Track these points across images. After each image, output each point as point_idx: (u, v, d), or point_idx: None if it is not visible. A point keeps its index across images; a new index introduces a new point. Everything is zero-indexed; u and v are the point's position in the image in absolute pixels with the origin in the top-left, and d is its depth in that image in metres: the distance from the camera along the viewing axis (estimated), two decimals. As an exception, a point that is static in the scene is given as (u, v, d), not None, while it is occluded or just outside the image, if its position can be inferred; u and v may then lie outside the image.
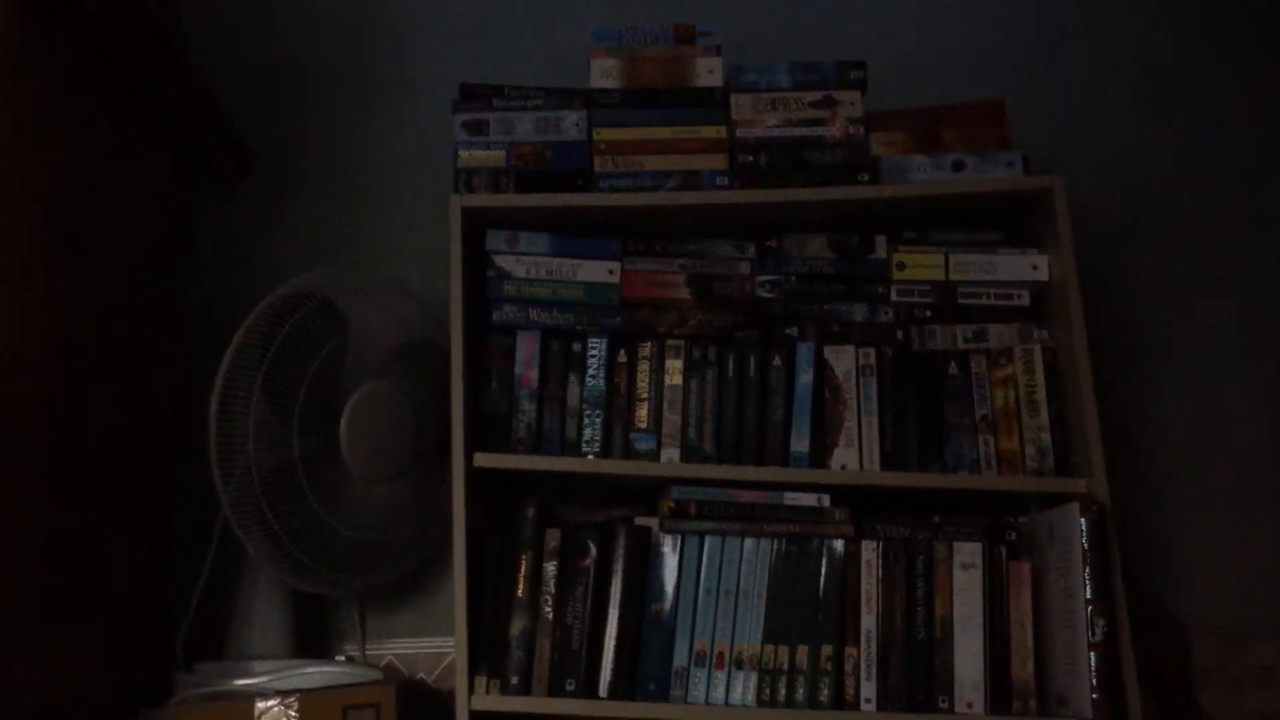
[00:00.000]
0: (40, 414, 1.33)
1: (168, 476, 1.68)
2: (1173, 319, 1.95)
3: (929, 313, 1.68)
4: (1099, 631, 1.45)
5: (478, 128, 1.69)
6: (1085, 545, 1.48)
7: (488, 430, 1.61)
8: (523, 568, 1.57)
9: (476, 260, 1.67)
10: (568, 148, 1.69)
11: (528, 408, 1.63)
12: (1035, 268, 1.67)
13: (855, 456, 1.63)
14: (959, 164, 1.68)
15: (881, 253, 1.69)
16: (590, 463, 1.61)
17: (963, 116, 1.72)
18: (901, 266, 1.68)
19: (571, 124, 1.70)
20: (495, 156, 1.68)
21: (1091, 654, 1.45)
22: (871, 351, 1.66)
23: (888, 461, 1.62)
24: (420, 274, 1.88)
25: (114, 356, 1.53)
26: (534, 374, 1.64)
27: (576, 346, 1.66)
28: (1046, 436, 1.62)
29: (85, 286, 1.45)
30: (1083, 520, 1.48)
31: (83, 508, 1.43)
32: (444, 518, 1.57)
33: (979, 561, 1.57)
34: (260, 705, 1.42)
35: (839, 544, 1.58)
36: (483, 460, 1.57)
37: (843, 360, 1.66)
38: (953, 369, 1.66)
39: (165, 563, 1.66)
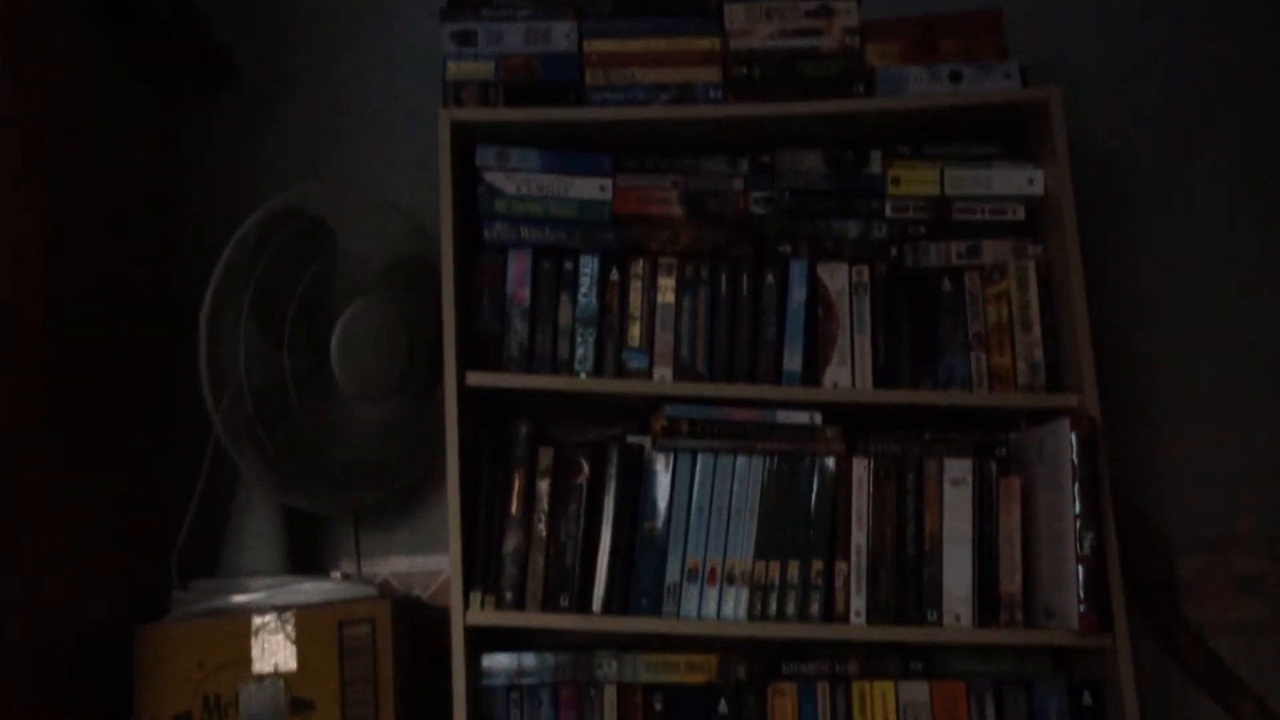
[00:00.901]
0: (29, 337, 1.32)
1: (161, 397, 1.68)
2: (1167, 235, 1.94)
3: (923, 229, 1.66)
4: (1086, 545, 1.46)
5: (466, 38, 1.65)
6: (1075, 461, 1.48)
7: (479, 349, 1.61)
8: (516, 485, 1.57)
9: (466, 177, 1.64)
10: (557, 60, 1.65)
11: (519, 327, 1.62)
12: (1031, 182, 1.65)
13: (847, 374, 1.63)
14: (956, 75, 1.65)
15: (876, 168, 1.67)
16: (582, 381, 1.61)
17: (960, 26, 1.68)
18: (896, 182, 1.66)
19: (561, 35, 1.66)
20: (484, 69, 1.65)
21: (1079, 567, 1.47)
22: (865, 269, 1.65)
23: (880, 379, 1.62)
24: (409, 191, 1.84)
25: (102, 273, 1.51)
26: (525, 292, 1.63)
27: (568, 265, 1.65)
28: (1039, 353, 1.62)
29: (70, 206, 1.43)
30: (1073, 435, 1.49)
31: (75, 428, 1.43)
32: (437, 437, 1.57)
33: (969, 478, 1.58)
34: (257, 620, 1.44)
35: (830, 461, 1.59)
36: (475, 379, 1.57)
37: (836, 278, 1.65)
38: (946, 285, 1.65)
39: (159, 483, 1.66)
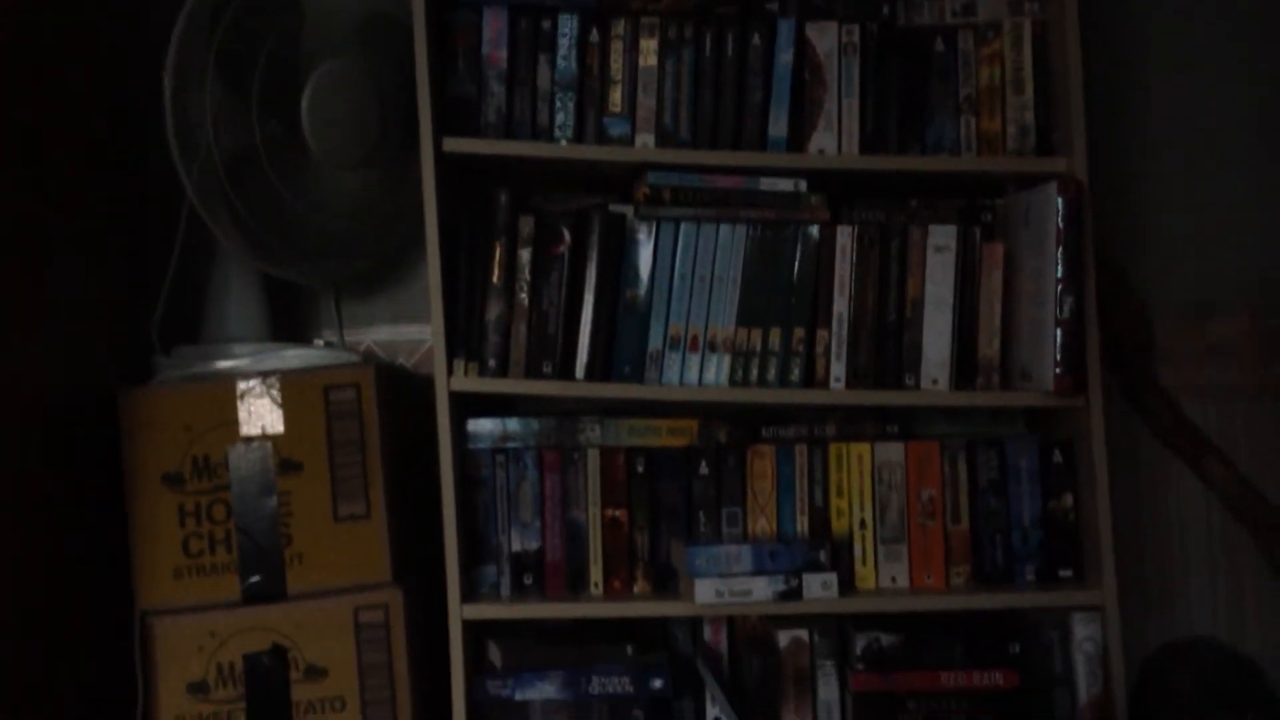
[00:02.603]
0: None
1: (133, 164, 1.63)
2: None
3: (917, -16, 1.60)
4: (1066, 309, 1.47)
5: None
6: (1060, 225, 1.48)
7: (456, 114, 1.56)
8: (497, 254, 1.56)
9: (437, -74, 1.55)
10: None
11: (496, 90, 1.57)
12: (1030, -65, 1.58)
13: (834, 141, 1.59)
14: None
15: (869, -81, 1.59)
16: (563, 148, 1.57)
17: None
18: (891, -66, 1.58)
19: None
20: None
21: (1057, 330, 1.48)
22: (855, 28, 1.59)
23: (867, 145, 1.59)
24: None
25: (66, 33, 1.44)
26: (502, 54, 1.57)
27: (546, 24, 1.58)
28: (1029, 115, 1.59)
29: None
30: (1060, 199, 1.48)
31: (45, 192, 1.39)
32: (415, 206, 1.54)
33: (953, 244, 1.57)
34: (241, 385, 1.45)
35: (814, 229, 1.57)
36: (452, 145, 1.53)
37: (825, 38, 1.59)
38: (938, 46, 1.60)
39: (137, 250, 1.64)
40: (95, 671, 1.45)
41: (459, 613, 1.52)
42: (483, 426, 1.61)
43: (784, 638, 1.57)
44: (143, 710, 1.41)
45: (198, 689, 1.40)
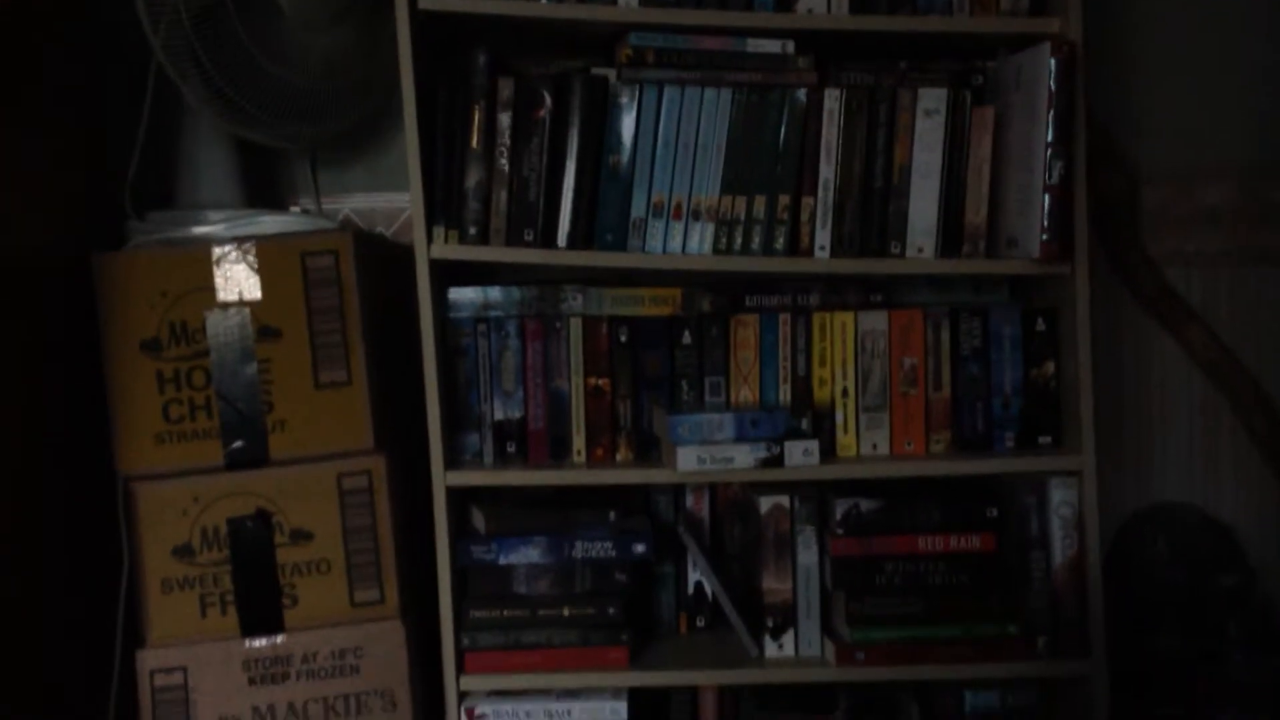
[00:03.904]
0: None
1: (100, 22, 1.57)
2: None
3: None
4: (1055, 174, 1.45)
5: None
6: (1052, 87, 1.44)
7: (431, -30, 1.50)
8: (476, 118, 1.52)
9: None
10: None
11: (473, -56, 1.51)
12: None
13: (823, 0, 1.54)
14: None
15: None
16: (543, 6, 1.51)
17: None
18: None
19: None
20: None
21: (1045, 196, 1.46)
22: (848, -124, 1.53)
23: (857, 5, 1.54)
24: None
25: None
26: (478, -95, 1.50)
27: (522, -128, 1.51)
28: (1024, -26, 1.54)
29: None
30: (1052, 61, 1.44)
31: (5, 51, 1.34)
32: (390, 69, 1.49)
33: (942, 108, 1.54)
34: (218, 251, 1.42)
35: (801, 93, 1.54)
36: (428, 1, 1.47)
37: (814, -109, 1.53)
38: (932, -100, 1.54)
39: (106, 114, 1.60)
40: (81, 536, 1.46)
41: (442, 479, 1.52)
42: (464, 295, 1.59)
43: (765, 504, 1.59)
44: (128, 573, 1.43)
45: (183, 552, 1.42)
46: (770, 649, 1.58)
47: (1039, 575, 1.56)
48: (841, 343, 1.60)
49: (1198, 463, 1.84)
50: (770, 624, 1.58)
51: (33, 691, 1.36)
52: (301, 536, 1.45)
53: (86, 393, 1.43)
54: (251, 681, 1.42)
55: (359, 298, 1.46)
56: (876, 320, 1.60)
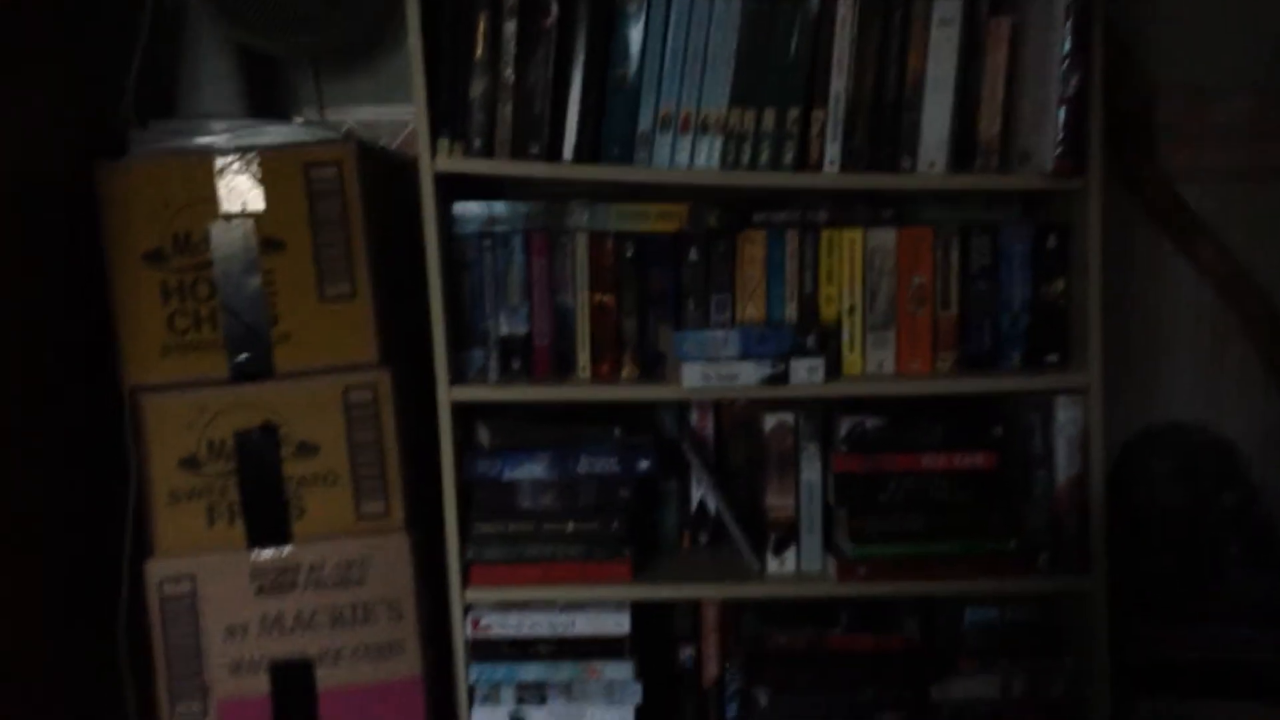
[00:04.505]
0: None
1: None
2: None
3: None
4: (1071, 86, 1.43)
5: None
6: (1071, -3, 1.41)
7: None
8: (480, 27, 1.49)
9: None
10: None
11: None
12: None
13: (839, -93, 1.50)
14: None
15: None
16: (548, -89, 1.48)
17: None
18: None
19: None
20: None
21: (1061, 109, 1.44)
22: None
23: (872, -88, 1.50)
24: None
25: None
26: None
27: None
28: (1045, -123, 1.49)
29: None
30: (1072, -30, 1.41)
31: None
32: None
33: (958, 17, 1.50)
34: (220, 161, 1.40)
35: (814, 1, 1.50)
36: (430, -95, 1.44)
37: None
38: None
39: (106, 20, 1.56)
40: (90, 449, 1.47)
41: (447, 394, 1.53)
42: (469, 210, 1.58)
43: (769, 421, 1.59)
44: (136, 484, 1.44)
45: (189, 463, 1.42)
46: (772, 565, 1.60)
47: (1041, 493, 1.57)
48: (849, 260, 1.59)
49: (1203, 382, 1.84)
50: (773, 540, 1.60)
51: (42, 603, 1.37)
52: (307, 449, 1.45)
53: (93, 305, 1.43)
54: (259, 591, 1.44)
55: (363, 210, 1.44)
56: (885, 237, 1.58)
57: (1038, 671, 1.58)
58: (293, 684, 1.45)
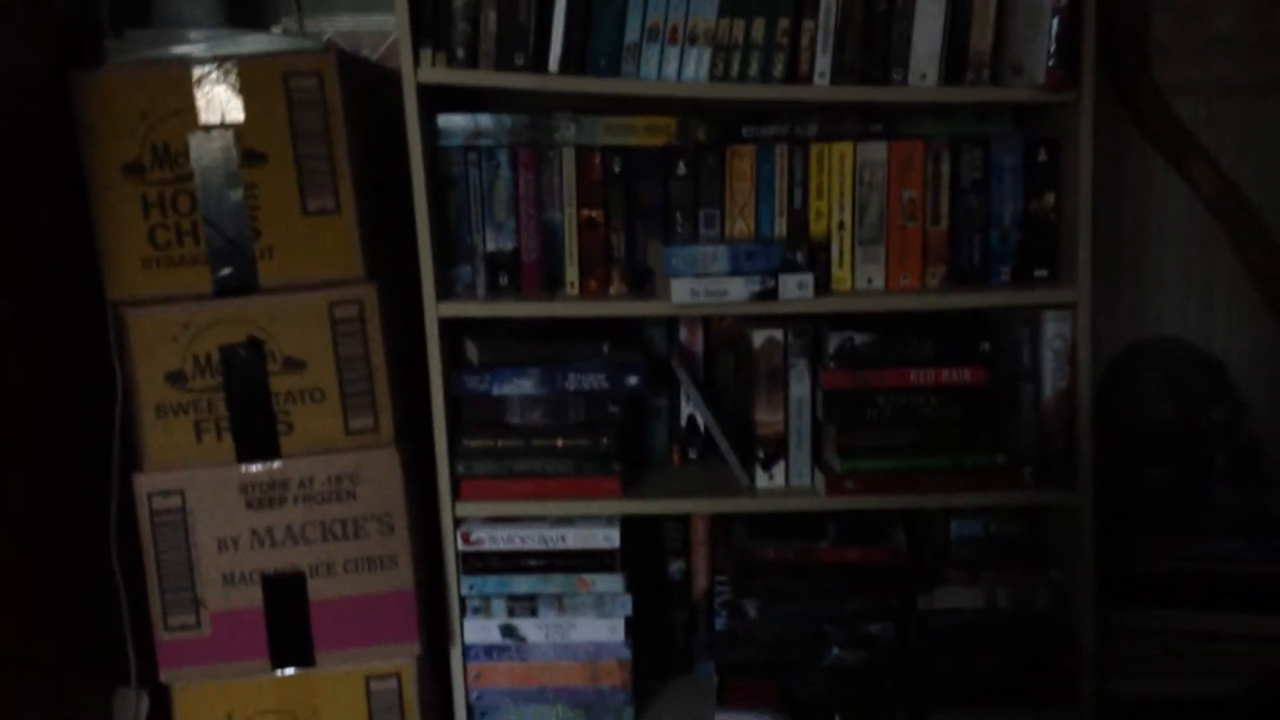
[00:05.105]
0: None
1: None
2: None
3: None
4: (1065, -4, 1.40)
5: None
6: (1067, -99, 1.38)
7: None
8: (463, -69, 1.46)
9: None
10: None
11: None
12: None
13: None
14: None
15: None
16: None
17: None
18: None
19: None
20: None
21: (1054, 20, 1.41)
22: None
23: None
24: None
25: None
26: None
27: None
28: None
29: None
30: (1069, -128, 1.37)
31: None
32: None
33: (950, -76, 1.47)
34: (198, 71, 1.37)
35: (804, -92, 1.47)
36: None
37: None
38: None
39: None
40: (78, 363, 1.46)
41: (435, 310, 1.52)
42: (454, 122, 1.55)
43: (758, 338, 1.59)
44: (123, 400, 1.43)
45: (176, 378, 1.41)
46: (761, 480, 1.61)
47: (1028, 407, 1.57)
48: (839, 175, 1.57)
49: (1193, 298, 1.83)
50: (761, 455, 1.60)
51: (34, 518, 1.38)
52: (294, 365, 1.44)
53: (77, 218, 1.41)
54: (249, 505, 1.44)
55: (345, 122, 1.42)
56: (875, 151, 1.57)
57: (1023, 584, 1.60)
58: (285, 596, 1.46)
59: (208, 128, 1.39)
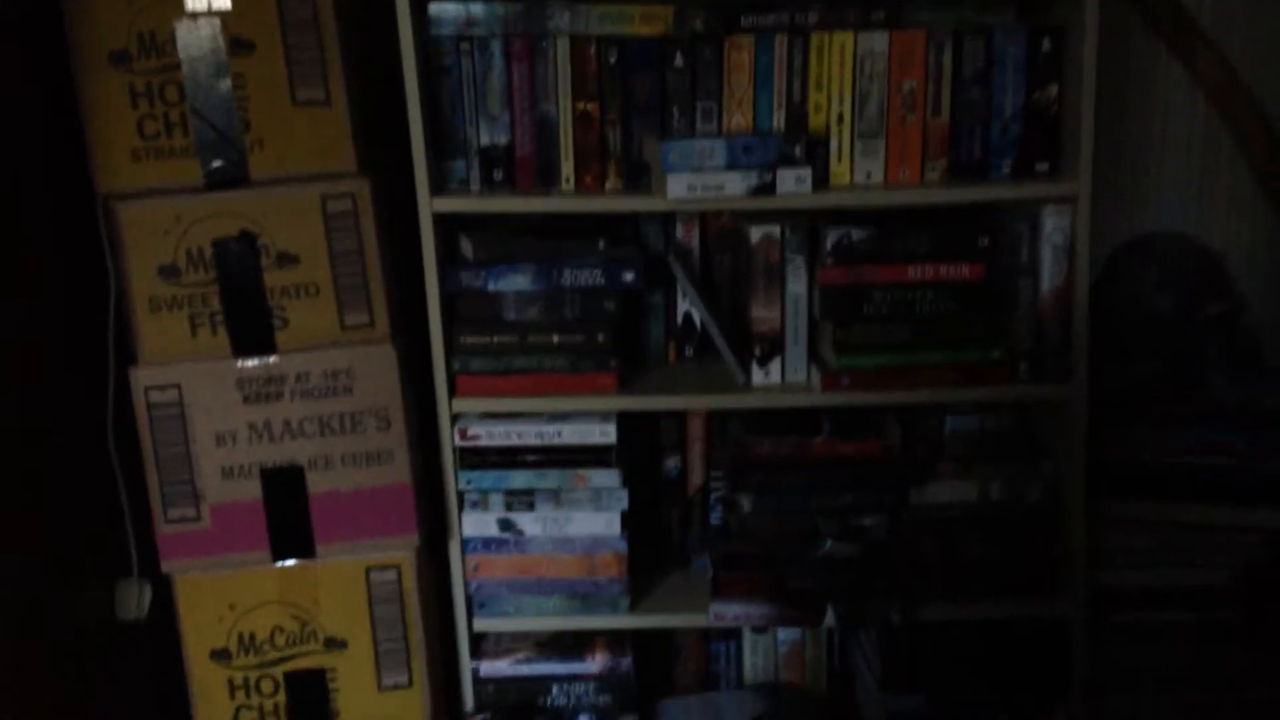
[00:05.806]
0: None
1: None
2: None
3: None
4: (1074, -126, 1.36)
5: None
6: None
7: None
8: None
9: None
10: None
11: None
12: None
13: None
14: None
15: None
16: None
17: None
18: None
19: None
20: None
21: (1061, -100, 1.37)
22: None
23: None
24: None
25: None
26: None
27: None
28: None
29: None
30: None
31: None
32: None
33: None
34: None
35: None
36: None
37: None
38: None
39: None
40: (72, 258, 1.45)
41: (429, 205, 1.50)
42: (445, 11, 1.52)
43: (755, 234, 1.58)
44: (115, 293, 1.42)
45: (168, 272, 1.40)
46: (757, 376, 1.61)
47: (1026, 302, 1.57)
48: (839, 65, 1.54)
49: (1193, 192, 1.82)
50: (758, 352, 1.60)
51: (34, 413, 1.38)
52: (288, 260, 1.43)
53: (66, 110, 1.38)
54: (246, 399, 1.44)
55: (334, 9, 1.38)
56: (876, 41, 1.54)
57: (1015, 476, 1.62)
58: (284, 488, 1.47)
59: (194, 15, 1.35)
